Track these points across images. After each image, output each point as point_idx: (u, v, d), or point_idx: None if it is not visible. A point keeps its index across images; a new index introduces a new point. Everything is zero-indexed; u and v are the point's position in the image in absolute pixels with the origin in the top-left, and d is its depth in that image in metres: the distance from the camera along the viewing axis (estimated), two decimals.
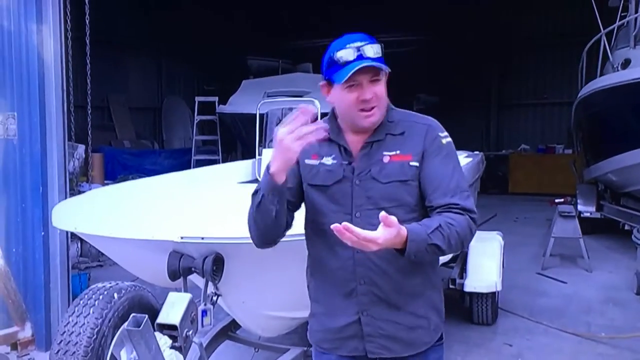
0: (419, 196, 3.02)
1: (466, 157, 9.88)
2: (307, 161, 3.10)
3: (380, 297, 3.05)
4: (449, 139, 3.07)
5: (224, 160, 17.34)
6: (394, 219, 2.60)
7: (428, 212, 2.99)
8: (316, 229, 3.13)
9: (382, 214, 2.59)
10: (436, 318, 3.17)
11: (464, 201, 2.94)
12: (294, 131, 2.76)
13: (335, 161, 3.06)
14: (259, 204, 2.92)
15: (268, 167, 2.82)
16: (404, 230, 2.67)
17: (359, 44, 2.93)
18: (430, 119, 3.13)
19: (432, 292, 3.16)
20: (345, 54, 2.93)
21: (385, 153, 3.02)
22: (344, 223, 2.58)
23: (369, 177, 3.01)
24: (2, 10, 6.92)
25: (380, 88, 2.97)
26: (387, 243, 2.63)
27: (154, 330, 4.01)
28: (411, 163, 2.99)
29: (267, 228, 3.00)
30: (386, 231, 2.61)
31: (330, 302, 3.16)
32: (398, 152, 3.01)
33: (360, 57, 2.90)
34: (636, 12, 12.02)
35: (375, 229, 2.71)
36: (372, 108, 2.97)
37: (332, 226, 2.59)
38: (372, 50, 2.93)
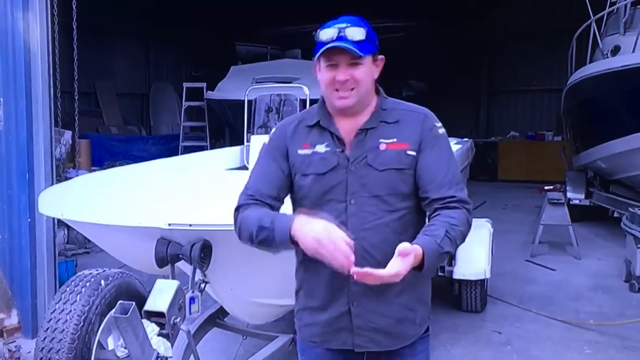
0: (413, 185, 2.99)
1: (456, 143, 9.87)
2: (300, 151, 3.07)
3: (372, 287, 2.94)
4: (444, 130, 3.08)
5: (212, 147, 17.32)
6: (407, 246, 2.61)
7: (421, 202, 2.98)
8: None
9: (400, 247, 2.60)
10: (423, 312, 3.16)
11: (459, 193, 2.95)
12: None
13: (328, 149, 3.03)
14: (264, 240, 2.91)
15: (292, 230, 2.76)
16: (419, 250, 2.68)
17: (343, 25, 2.93)
18: (424, 108, 3.13)
19: (422, 286, 3.14)
20: (327, 33, 2.92)
21: (381, 140, 2.99)
22: (366, 268, 2.61)
23: (364, 164, 2.98)
24: None
25: (360, 72, 2.94)
26: (409, 268, 2.65)
27: (142, 318, 3.98)
28: (408, 152, 2.98)
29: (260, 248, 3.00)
30: (405, 260, 2.62)
31: (322, 294, 3.12)
32: (395, 140, 2.99)
33: (340, 38, 2.89)
34: None
35: (371, 218, 2.88)
36: (350, 90, 2.95)
37: (352, 271, 2.61)
38: (356, 33, 2.91)
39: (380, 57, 3.06)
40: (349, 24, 2.92)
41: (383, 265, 2.76)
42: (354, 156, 2.99)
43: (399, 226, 2.99)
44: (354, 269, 2.60)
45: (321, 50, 2.91)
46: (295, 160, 3.07)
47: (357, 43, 2.89)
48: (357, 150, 3.00)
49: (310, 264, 3.03)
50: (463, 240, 2.91)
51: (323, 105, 3.09)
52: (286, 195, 3.16)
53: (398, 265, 2.60)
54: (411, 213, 3.03)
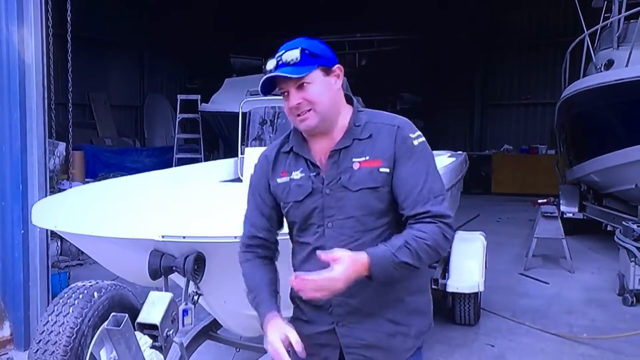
0: (391, 200, 2.96)
1: (449, 156, 9.88)
2: (279, 180, 3.11)
3: (356, 307, 3.02)
4: (422, 139, 2.98)
5: (206, 159, 17.32)
6: (336, 254, 2.70)
7: (401, 218, 2.95)
8: (296, 242, 3.19)
9: (321, 255, 2.74)
10: (419, 323, 3.11)
11: (436, 207, 2.87)
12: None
13: (303, 174, 3.05)
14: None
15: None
16: (362, 256, 2.72)
17: (281, 52, 2.96)
18: (400, 119, 3.04)
19: (414, 297, 3.08)
20: (270, 64, 2.98)
21: (354, 160, 2.97)
22: (297, 273, 2.83)
23: (339, 185, 2.98)
24: None
25: (310, 92, 2.94)
26: (350, 275, 2.73)
27: (134, 330, 3.97)
28: (381, 169, 2.94)
29: None
30: (339, 266, 2.70)
31: (308, 309, 3.15)
32: (367, 157, 2.96)
33: (280, 66, 2.93)
34: (619, 13, 12.05)
35: (347, 239, 2.89)
36: (307, 111, 2.96)
37: (289, 281, 2.81)
38: (290, 55, 2.93)
39: (336, 66, 3.02)
40: (284, 50, 2.95)
41: (365, 285, 2.86)
42: (328, 178, 3.00)
43: (381, 241, 2.94)
44: (291, 280, 2.81)
45: (260, 83, 2.98)
46: (277, 190, 3.12)
47: (295, 65, 2.90)
48: (331, 172, 3.00)
49: None
50: (435, 253, 2.84)
51: (296, 130, 3.10)
52: (280, 223, 3.26)
53: (334, 270, 2.69)
54: (390, 229, 2.99)
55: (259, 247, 3.24)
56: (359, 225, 2.96)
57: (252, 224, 3.24)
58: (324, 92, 2.96)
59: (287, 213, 3.14)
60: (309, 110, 2.94)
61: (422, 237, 2.79)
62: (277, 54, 2.95)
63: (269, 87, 2.99)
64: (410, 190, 2.89)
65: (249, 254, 3.25)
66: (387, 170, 2.92)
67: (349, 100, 3.12)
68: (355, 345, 3.06)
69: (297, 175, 3.05)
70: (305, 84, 2.92)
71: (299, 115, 2.96)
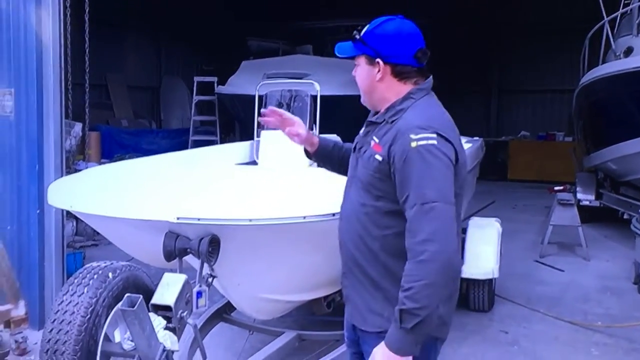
0: (386, 190, 3.01)
1: (466, 142, 9.83)
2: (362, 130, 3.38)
3: (350, 267, 3.23)
4: (424, 142, 2.86)
5: (222, 141, 17.29)
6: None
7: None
8: None
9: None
10: (393, 310, 2.99)
11: (420, 216, 2.79)
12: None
13: (360, 134, 3.32)
14: None
15: None
16: (384, 349, 2.87)
17: (365, 26, 3.21)
18: (423, 119, 2.98)
19: (394, 287, 2.96)
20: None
21: (374, 137, 3.12)
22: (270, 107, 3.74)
23: (360, 154, 3.19)
24: None
25: (357, 72, 3.25)
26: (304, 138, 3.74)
27: (149, 311, 3.98)
28: (376, 156, 3.02)
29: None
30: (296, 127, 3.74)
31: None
32: (378, 141, 3.07)
33: (351, 39, 3.20)
34: None
35: (351, 204, 3.19)
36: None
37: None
38: (356, 34, 3.17)
39: (377, 60, 3.12)
40: (367, 25, 3.20)
41: (352, 253, 3.17)
42: (359, 145, 3.25)
43: (366, 221, 3.10)
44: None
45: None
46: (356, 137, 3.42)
47: (354, 43, 3.19)
48: (362, 140, 3.24)
49: None
50: (436, 281, 2.74)
51: None
52: None
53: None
54: (378, 213, 3.05)
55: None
56: (359, 197, 3.15)
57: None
58: (366, 78, 3.19)
59: None
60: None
61: (408, 287, 2.76)
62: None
63: None
64: (400, 193, 2.91)
65: None
66: (381, 159, 3.00)
67: (421, 80, 3.21)
68: (348, 299, 3.34)
69: (361, 131, 3.33)
70: (356, 65, 3.24)
71: None
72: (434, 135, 2.88)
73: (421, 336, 2.82)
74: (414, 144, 2.85)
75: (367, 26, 3.16)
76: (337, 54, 3.26)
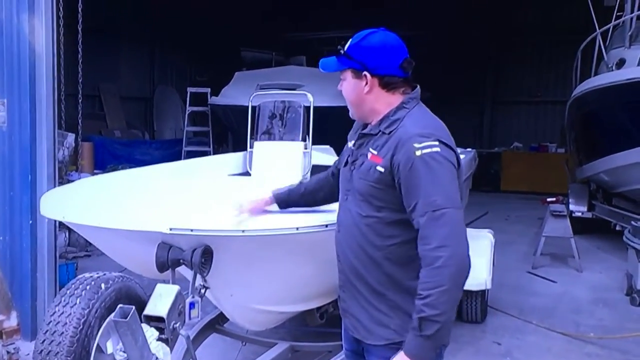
0: (388, 200, 3.03)
1: (459, 153, 9.82)
2: (349, 144, 3.41)
3: (350, 279, 3.23)
4: (429, 150, 2.91)
5: (215, 152, 17.27)
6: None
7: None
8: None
9: None
10: (401, 321, 3.08)
11: (432, 223, 2.84)
12: None
13: (351, 146, 3.32)
14: None
15: None
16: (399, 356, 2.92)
17: (349, 40, 3.23)
18: (424, 127, 3.02)
19: (399, 296, 3.09)
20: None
21: (370, 149, 3.12)
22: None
23: (355, 166, 3.19)
24: None
25: (343, 86, 3.26)
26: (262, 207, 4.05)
27: (141, 322, 3.97)
28: (377, 167, 3.03)
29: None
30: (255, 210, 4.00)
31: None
32: (376, 152, 3.07)
33: (336, 53, 3.22)
34: (632, 11, 12.00)
35: (350, 216, 3.17)
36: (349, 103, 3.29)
37: None
38: (340, 49, 3.19)
39: (364, 73, 3.14)
40: (351, 39, 3.22)
41: (353, 265, 3.18)
42: (353, 157, 3.24)
43: (368, 232, 3.10)
44: None
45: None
46: (344, 151, 3.47)
47: (338, 58, 3.19)
48: (356, 153, 3.24)
49: None
50: (451, 286, 2.82)
51: None
52: None
53: None
54: (381, 223, 3.07)
55: (332, 177, 3.82)
56: (359, 209, 3.14)
57: (335, 165, 3.76)
58: (352, 91, 3.21)
59: None
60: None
61: (426, 295, 2.80)
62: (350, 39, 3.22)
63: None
64: (408, 202, 2.93)
65: (322, 174, 3.94)
66: (382, 169, 3.01)
67: (408, 90, 3.22)
68: (347, 312, 3.35)
69: (350, 144, 3.37)
70: (342, 79, 3.24)
71: None
72: (437, 143, 2.94)
73: (440, 341, 2.87)
74: (418, 153, 2.89)
75: (351, 40, 3.17)
76: (322, 70, 3.26)
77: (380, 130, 3.10)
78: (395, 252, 3.06)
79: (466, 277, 2.93)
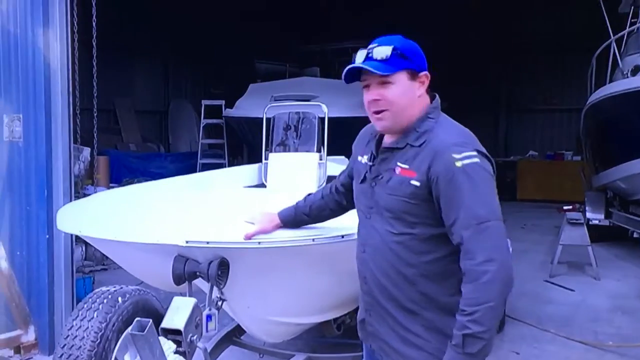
0: (423, 215, 2.92)
1: None
2: (359, 158, 3.26)
3: (378, 300, 3.10)
4: (469, 161, 2.83)
5: (230, 164, 17.30)
6: None
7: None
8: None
9: None
10: (437, 342, 2.98)
11: (476, 236, 2.77)
12: None
13: (366, 161, 3.17)
14: None
15: None
16: None
17: (373, 45, 2.98)
18: (458, 137, 2.96)
19: (435, 314, 2.99)
20: (359, 55, 2.99)
21: (398, 164, 2.98)
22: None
23: (380, 183, 3.04)
24: (8, 15, 6.93)
25: (390, 91, 2.95)
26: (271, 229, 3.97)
27: (158, 335, 3.97)
28: (412, 181, 2.90)
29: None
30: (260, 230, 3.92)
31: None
32: (408, 166, 2.94)
33: (368, 59, 2.94)
34: None
35: (377, 235, 3.01)
36: (383, 111, 2.98)
37: None
38: (381, 51, 2.93)
39: (423, 73, 3.02)
40: (377, 44, 2.97)
41: (384, 285, 3.03)
42: (374, 172, 3.08)
43: (401, 250, 2.97)
44: None
45: (344, 73, 3.00)
46: (354, 165, 3.37)
47: (383, 61, 2.91)
48: (378, 168, 3.07)
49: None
50: (499, 293, 2.76)
51: None
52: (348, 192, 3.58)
53: None
54: (415, 240, 2.95)
55: (336, 192, 3.74)
56: (388, 225, 3.00)
57: (340, 179, 3.70)
58: (404, 95, 2.97)
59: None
60: (385, 111, 2.98)
61: (469, 311, 2.73)
62: (370, 46, 2.99)
63: (352, 77, 3.03)
64: (447, 216, 2.84)
65: (326, 190, 3.83)
66: (418, 183, 2.88)
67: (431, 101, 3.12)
68: (376, 336, 3.22)
69: (363, 160, 3.24)
70: (388, 83, 2.95)
71: (376, 112, 3.01)
72: (475, 153, 2.88)
73: (483, 358, 2.80)
74: (459, 164, 2.81)
75: (393, 42, 2.96)
76: (378, 72, 2.92)
77: (408, 144, 2.97)
78: (431, 268, 2.95)
79: (510, 291, 2.86)
